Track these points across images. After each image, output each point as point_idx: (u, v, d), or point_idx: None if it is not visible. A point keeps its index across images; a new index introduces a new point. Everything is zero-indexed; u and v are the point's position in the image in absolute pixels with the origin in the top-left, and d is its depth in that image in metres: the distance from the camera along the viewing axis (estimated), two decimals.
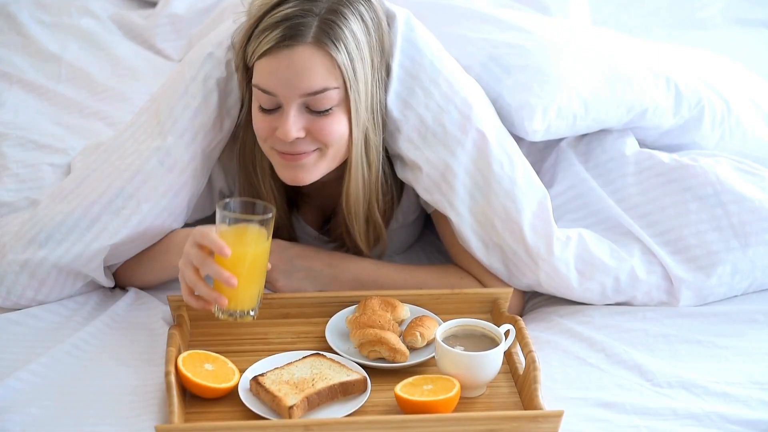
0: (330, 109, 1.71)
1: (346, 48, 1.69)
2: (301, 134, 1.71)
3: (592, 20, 2.84)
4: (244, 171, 1.87)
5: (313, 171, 1.76)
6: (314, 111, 1.71)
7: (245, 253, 1.64)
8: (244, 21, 1.75)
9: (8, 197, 2.10)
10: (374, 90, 1.76)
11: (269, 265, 1.70)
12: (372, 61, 1.74)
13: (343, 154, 1.77)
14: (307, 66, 1.68)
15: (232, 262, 1.63)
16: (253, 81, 1.72)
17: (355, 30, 1.70)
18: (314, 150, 1.74)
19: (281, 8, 1.69)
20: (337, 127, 1.72)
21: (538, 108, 1.92)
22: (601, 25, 2.83)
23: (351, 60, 1.70)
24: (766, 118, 2.13)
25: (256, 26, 1.70)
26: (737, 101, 2.09)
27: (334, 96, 1.70)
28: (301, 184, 1.77)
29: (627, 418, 1.61)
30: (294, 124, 1.70)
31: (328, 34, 1.68)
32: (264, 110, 1.73)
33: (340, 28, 1.69)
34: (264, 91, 1.71)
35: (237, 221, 1.65)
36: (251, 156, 1.85)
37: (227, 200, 1.66)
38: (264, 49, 1.68)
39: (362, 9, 1.72)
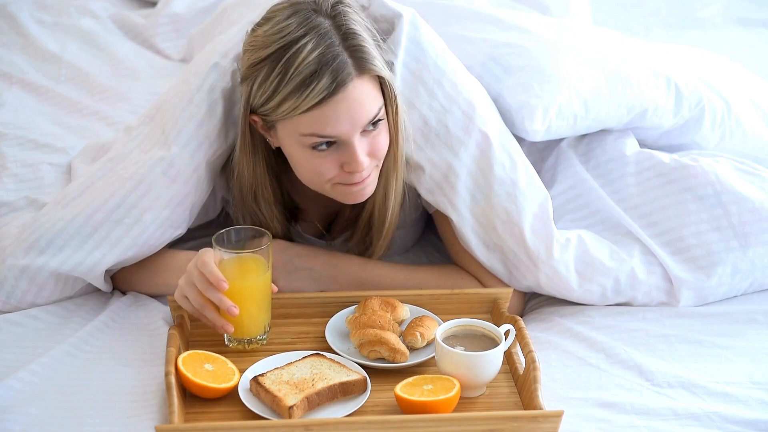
0: (377, 123, 1.71)
1: (378, 59, 1.68)
2: (368, 160, 1.72)
3: (592, 20, 2.85)
4: (242, 203, 1.84)
5: (373, 184, 1.77)
6: (367, 131, 1.70)
7: (245, 284, 1.67)
8: (247, 60, 1.69)
9: (8, 197, 2.10)
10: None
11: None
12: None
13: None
14: (361, 99, 1.67)
15: (236, 292, 1.66)
16: (304, 131, 1.67)
17: (368, 38, 1.69)
18: (374, 167, 1.75)
19: (305, 53, 1.64)
20: (384, 137, 1.73)
21: (539, 108, 1.92)
22: (601, 25, 2.83)
23: (385, 65, 1.69)
24: (766, 118, 2.13)
25: (281, 77, 1.65)
26: (737, 101, 2.09)
27: (382, 112, 1.71)
28: (364, 200, 1.77)
29: (627, 418, 1.61)
30: (362, 155, 1.70)
31: (363, 58, 1.66)
32: (319, 150, 1.70)
33: (364, 46, 1.67)
34: (324, 137, 1.68)
35: (235, 254, 1.67)
36: (251, 187, 1.81)
37: (222, 232, 1.68)
38: (313, 102, 1.64)
39: (358, 17, 1.70)
